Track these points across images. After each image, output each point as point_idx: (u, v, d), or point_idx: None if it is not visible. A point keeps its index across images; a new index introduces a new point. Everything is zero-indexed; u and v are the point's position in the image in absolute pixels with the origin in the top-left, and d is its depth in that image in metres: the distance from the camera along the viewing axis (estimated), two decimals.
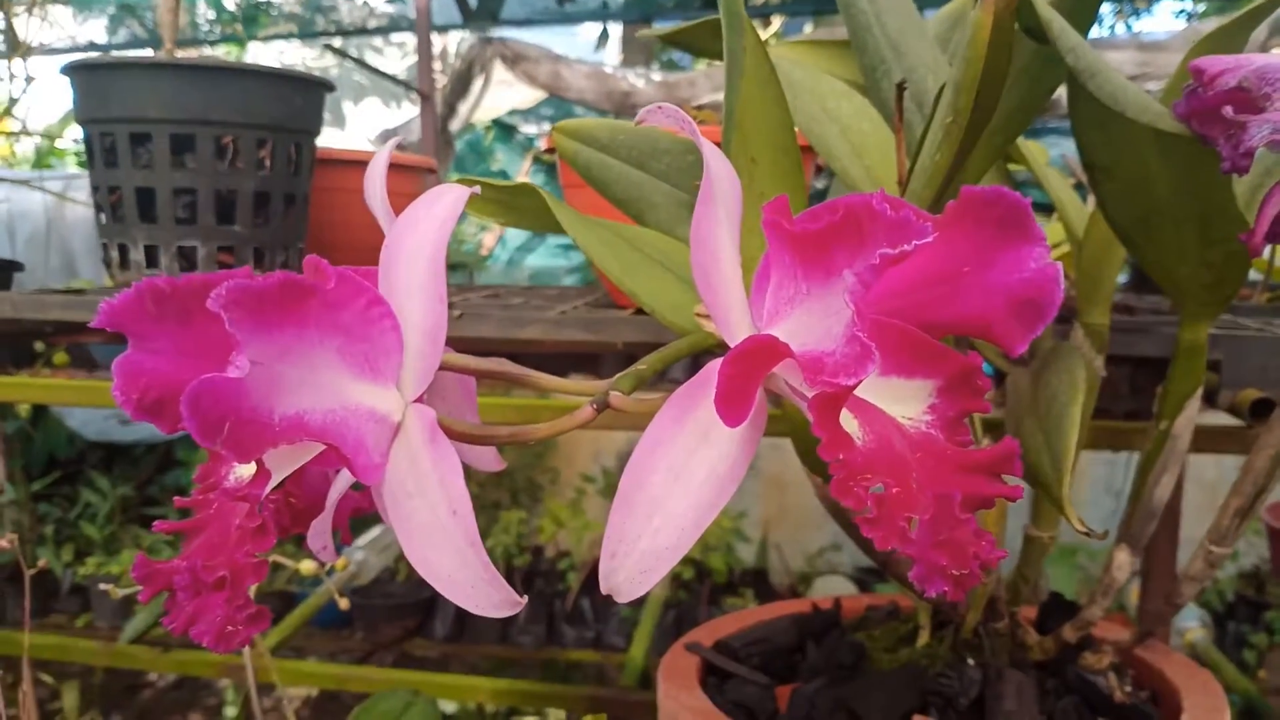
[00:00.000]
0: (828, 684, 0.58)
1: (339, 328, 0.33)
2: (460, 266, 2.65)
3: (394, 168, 1.02)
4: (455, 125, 2.50)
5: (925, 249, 0.33)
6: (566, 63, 2.49)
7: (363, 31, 2.74)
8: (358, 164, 0.98)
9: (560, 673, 1.99)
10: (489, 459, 0.48)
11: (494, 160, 2.59)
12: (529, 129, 2.61)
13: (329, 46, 1.91)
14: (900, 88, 0.51)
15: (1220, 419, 0.75)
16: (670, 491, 0.32)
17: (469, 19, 2.36)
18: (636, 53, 3.24)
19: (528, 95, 2.68)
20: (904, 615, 0.66)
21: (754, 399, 0.31)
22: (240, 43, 2.92)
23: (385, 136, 2.55)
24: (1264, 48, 2.28)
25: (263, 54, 3.04)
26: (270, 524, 0.31)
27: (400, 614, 2.01)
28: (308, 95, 0.87)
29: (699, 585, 2.01)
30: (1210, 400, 0.74)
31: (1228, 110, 0.40)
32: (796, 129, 0.56)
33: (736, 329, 0.34)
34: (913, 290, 0.34)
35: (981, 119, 0.47)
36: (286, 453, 0.33)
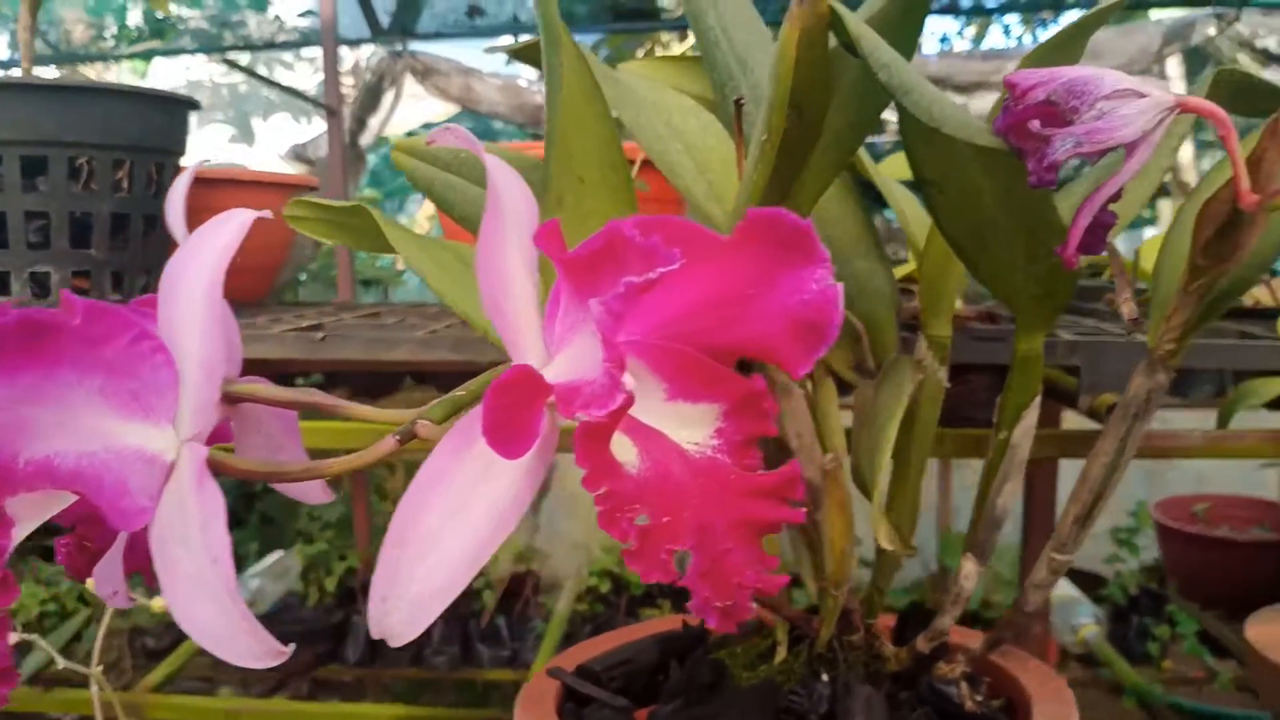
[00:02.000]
0: (684, 705, 0.58)
1: (100, 365, 0.31)
2: (375, 283, 2.62)
3: (267, 186, 1.00)
4: (366, 140, 2.46)
5: (712, 270, 0.33)
6: (479, 76, 2.47)
7: (272, 46, 2.69)
8: (231, 183, 0.96)
9: (477, 693, 1.96)
10: (316, 492, 0.47)
11: None
12: None
13: (229, 61, 1.87)
14: (738, 104, 0.51)
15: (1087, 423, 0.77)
16: (447, 529, 0.31)
17: (378, 33, 2.33)
18: None
19: (441, 109, 2.65)
20: (767, 630, 0.66)
21: (533, 430, 0.30)
22: (145, 59, 2.85)
23: (294, 152, 2.51)
24: (1160, 56, 2.35)
25: (169, 70, 2.98)
26: (10, 578, 0.29)
27: (311, 639, 1.96)
28: (169, 114, 0.84)
29: (616, 598, 2.00)
30: (1071, 404, 0.75)
31: (1034, 124, 0.40)
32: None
33: (527, 357, 0.33)
34: (700, 313, 0.33)
35: (806, 136, 0.47)
36: (39, 499, 0.31)
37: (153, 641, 1.98)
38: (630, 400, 0.28)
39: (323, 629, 1.97)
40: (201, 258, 0.35)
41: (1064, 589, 1.50)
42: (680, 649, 0.66)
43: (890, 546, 0.43)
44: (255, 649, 0.30)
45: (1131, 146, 0.40)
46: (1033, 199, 0.47)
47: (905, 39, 0.47)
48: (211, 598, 0.30)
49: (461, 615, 1.99)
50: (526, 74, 3.12)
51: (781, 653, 0.61)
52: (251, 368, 0.44)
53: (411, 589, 0.31)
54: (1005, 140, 0.42)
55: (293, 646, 0.31)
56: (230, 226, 0.36)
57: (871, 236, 0.58)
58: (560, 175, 0.45)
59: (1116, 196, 0.42)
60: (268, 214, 0.36)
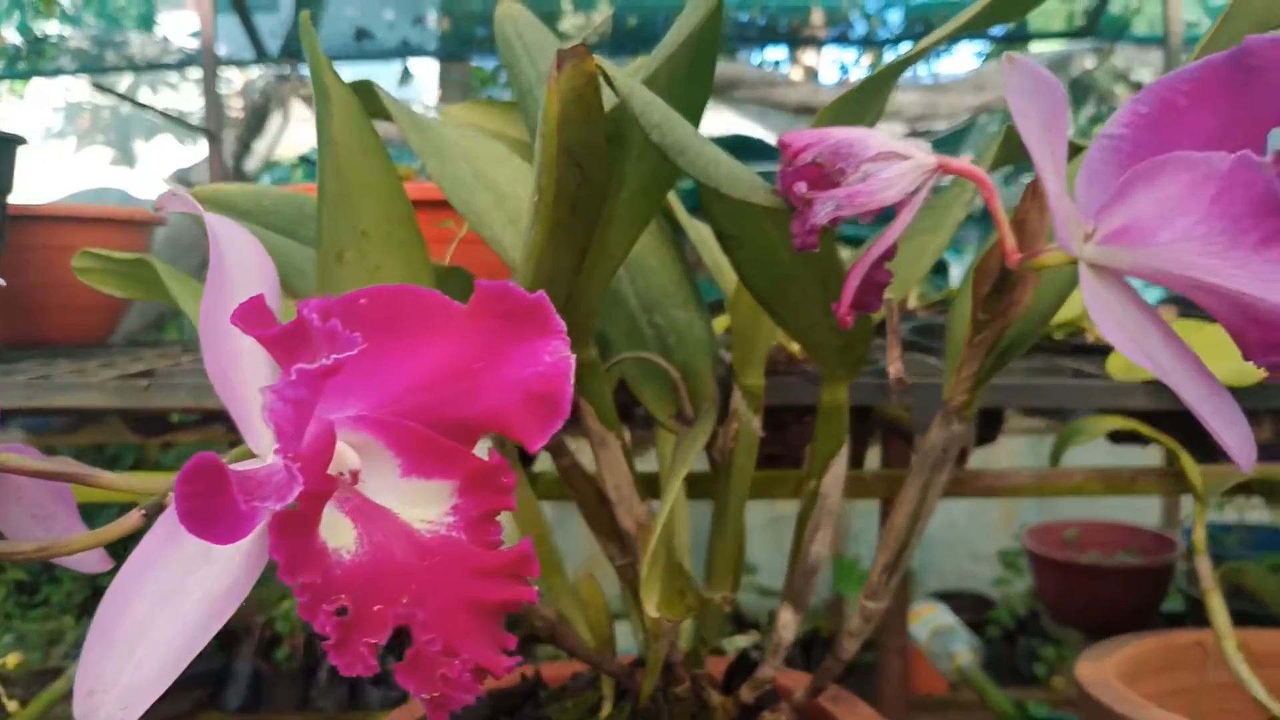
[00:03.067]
0: None
1: None
2: None
3: (110, 223, 0.97)
4: (251, 165, 2.41)
5: (447, 343, 0.32)
6: None
7: (156, 67, 2.62)
8: (56, 220, 0.92)
9: None
10: (92, 562, 0.44)
11: None
12: None
13: (99, 85, 1.81)
14: None
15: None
16: (157, 618, 0.30)
17: (263, 56, 2.28)
18: (453, 89, 3.21)
19: None
20: (600, 683, 0.65)
21: (234, 516, 0.28)
22: (23, 78, 2.75)
23: (178, 176, 2.44)
24: (1089, 73, 2.42)
25: (48, 90, 2.88)
26: None
27: (188, 685, 1.90)
28: None
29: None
30: (908, 443, 0.76)
31: (800, 187, 0.40)
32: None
33: (257, 439, 0.32)
34: (435, 385, 0.32)
35: (594, 192, 0.46)
36: None
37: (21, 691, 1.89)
38: (326, 486, 0.27)
39: (201, 674, 1.90)
40: None
41: (943, 617, 1.52)
42: (511, 705, 0.65)
43: (656, 615, 0.42)
44: None
45: (898, 206, 0.41)
46: (823, 255, 0.48)
47: (693, 95, 0.47)
48: None
49: None
50: (424, 99, 3.09)
51: (607, 707, 0.61)
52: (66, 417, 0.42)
53: (120, 681, 0.29)
54: (786, 199, 0.43)
55: None
56: None
57: (689, 287, 0.58)
58: (339, 230, 0.44)
59: (890, 255, 0.42)
60: None
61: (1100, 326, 0.35)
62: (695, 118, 0.48)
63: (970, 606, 2.02)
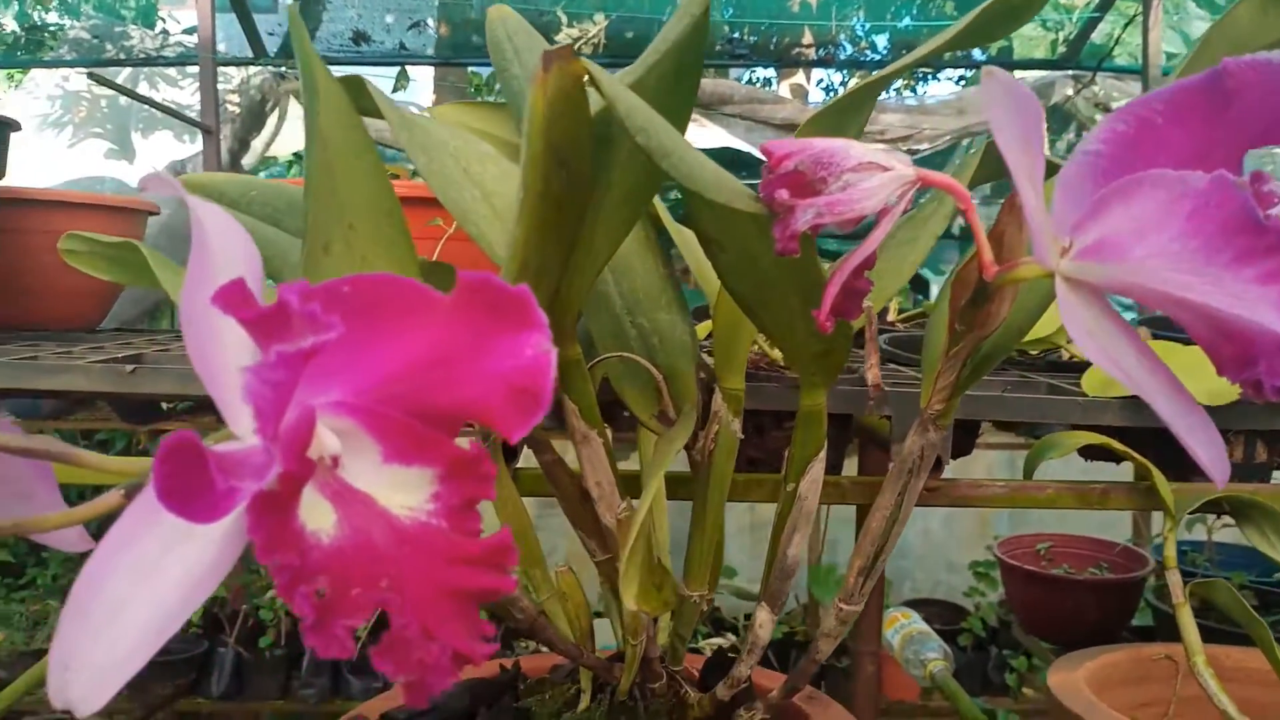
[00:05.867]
0: None
1: None
2: None
3: (104, 210, 0.97)
4: (249, 160, 2.41)
5: (429, 332, 0.33)
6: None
7: (154, 61, 2.62)
8: (46, 204, 0.92)
9: None
10: (73, 541, 0.45)
11: None
12: None
13: (96, 77, 1.81)
14: None
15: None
16: (134, 596, 0.30)
17: (260, 55, 2.29)
18: (449, 93, 3.22)
19: None
20: (579, 676, 0.65)
21: (213, 495, 0.29)
22: (22, 68, 2.75)
23: (174, 169, 2.44)
24: (1070, 101, 2.44)
25: (46, 80, 2.87)
26: None
27: (171, 671, 1.90)
28: None
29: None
30: (886, 452, 0.77)
31: (782, 194, 0.41)
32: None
33: (237, 422, 0.32)
34: (416, 374, 0.33)
35: (578, 192, 0.47)
36: None
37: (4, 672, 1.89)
38: (304, 469, 0.28)
39: (185, 660, 1.90)
40: None
41: (915, 624, 1.53)
42: (490, 696, 0.65)
43: (634, 607, 0.43)
44: None
45: (879, 216, 0.41)
46: (804, 262, 0.48)
47: (678, 100, 0.48)
48: None
49: None
50: (419, 100, 3.10)
51: (585, 701, 0.61)
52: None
53: (95, 658, 0.30)
54: (769, 206, 0.43)
55: None
56: None
57: (673, 289, 0.59)
58: (325, 221, 0.44)
59: (870, 264, 0.43)
60: None
61: (1075, 339, 0.36)
62: (680, 124, 0.48)
63: (943, 615, 2.03)
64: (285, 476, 0.27)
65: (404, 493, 0.32)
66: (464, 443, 0.33)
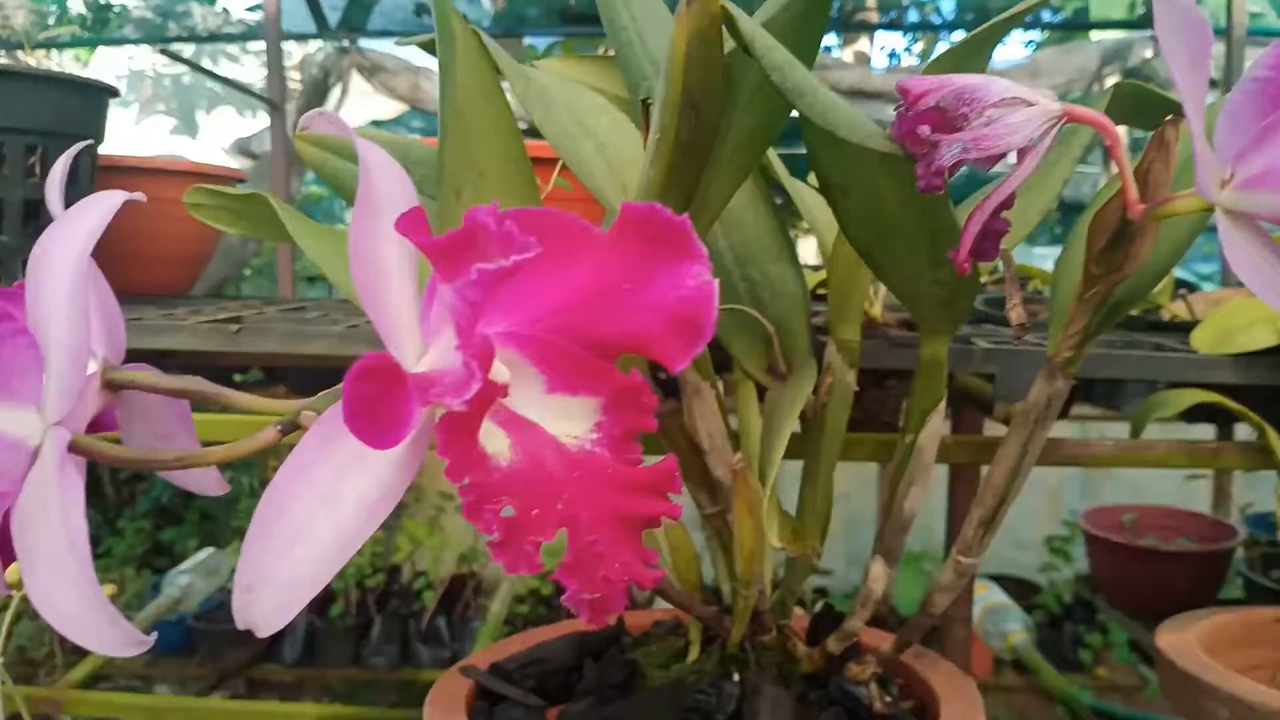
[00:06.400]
0: (594, 704, 0.57)
1: None
2: (319, 279, 2.58)
3: (190, 175, 0.99)
4: None
5: (591, 264, 0.33)
6: (427, 74, 2.45)
7: (217, 38, 2.65)
8: (152, 172, 0.94)
9: (416, 693, 1.94)
10: (209, 483, 0.46)
11: None
12: None
13: (167, 52, 1.83)
14: (645, 104, 0.51)
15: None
16: (315, 519, 0.31)
17: (324, 29, 2.30)
18: None
19: (390, 107, 2.63)
20: (683, 630, 0.66)
21: (398, 420, 0.30)
22: (89, 46, 2.79)
23: (238, 146, 2.47)
24: (1099, 76, 2.40)
25: (111, 59, 2.92)
26: None
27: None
28: (86, 100, 0.83)
29: (558, 600, 1.99)
30: (987, 412, 0.76)
31: (924, 130, 0.40)
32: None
33: (403, 349, 0.33)
34: (579, 306, 0.33)
35: (705, 136, 0.47)
36: None
37: None
38: (492, 390, 0.28)
39: None
40: (67, 241, 0.34)
41: (995, 596, 1.52)
42: (595, 648, 0.66)
43: (780, 545, 0.43)
44: (115, 637, 0.30)
45: (1020, 154, 0.41)
46: (933, 204, 0.48)
47: (806, 41, 0.47)
48: (70, 584, 0.29)
49: (401, 615, 1.97)
50: None
51: (694, 652, 0.61)
52: (161, 359, 0.43)
53: (277, 579, 0.30)
54: (902, 146, 0.43)
55: (154, 636, 0.31)
56: (97, 209, 0.35)
57: (784, 241, 0.58)
58: (458, 168, 0.45)
59: (1009, 204, 0.43)
60: (140, 197, 0.35)
61: (1239, 274, 0.35)
62: (809, 63, 0.48)
63: (1015, 592, 2.01)
64: (475, 396, 0.27)
65: (568, 421, 0.32)
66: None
